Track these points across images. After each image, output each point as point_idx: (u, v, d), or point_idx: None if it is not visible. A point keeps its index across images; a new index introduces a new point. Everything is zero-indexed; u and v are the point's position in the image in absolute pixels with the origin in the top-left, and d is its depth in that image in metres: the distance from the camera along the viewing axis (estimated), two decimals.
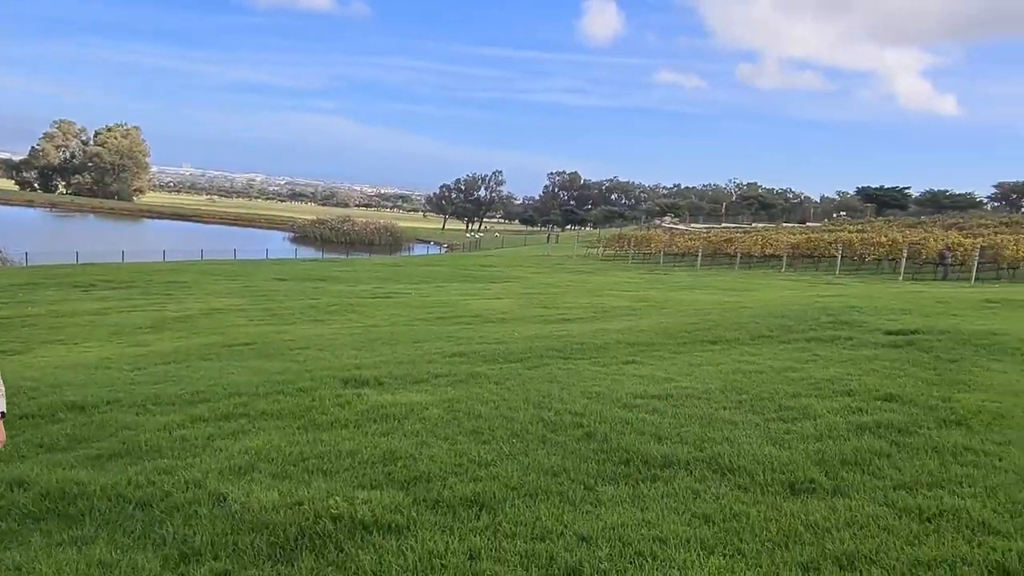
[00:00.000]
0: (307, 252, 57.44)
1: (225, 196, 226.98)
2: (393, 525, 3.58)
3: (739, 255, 37.87)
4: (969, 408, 5.41)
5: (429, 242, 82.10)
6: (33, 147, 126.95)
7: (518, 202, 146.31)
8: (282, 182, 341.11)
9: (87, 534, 3.60)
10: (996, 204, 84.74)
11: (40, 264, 34.71)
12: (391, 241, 78.32)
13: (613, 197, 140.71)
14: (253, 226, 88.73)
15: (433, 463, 4.42)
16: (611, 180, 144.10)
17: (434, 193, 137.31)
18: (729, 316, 11.61)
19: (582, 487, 4.08)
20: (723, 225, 68.82)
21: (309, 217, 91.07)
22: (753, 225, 67.88)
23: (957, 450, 4.53)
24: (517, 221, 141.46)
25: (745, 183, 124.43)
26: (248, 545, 3.39)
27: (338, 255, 56.15)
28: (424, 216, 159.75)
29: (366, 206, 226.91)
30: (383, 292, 22.46)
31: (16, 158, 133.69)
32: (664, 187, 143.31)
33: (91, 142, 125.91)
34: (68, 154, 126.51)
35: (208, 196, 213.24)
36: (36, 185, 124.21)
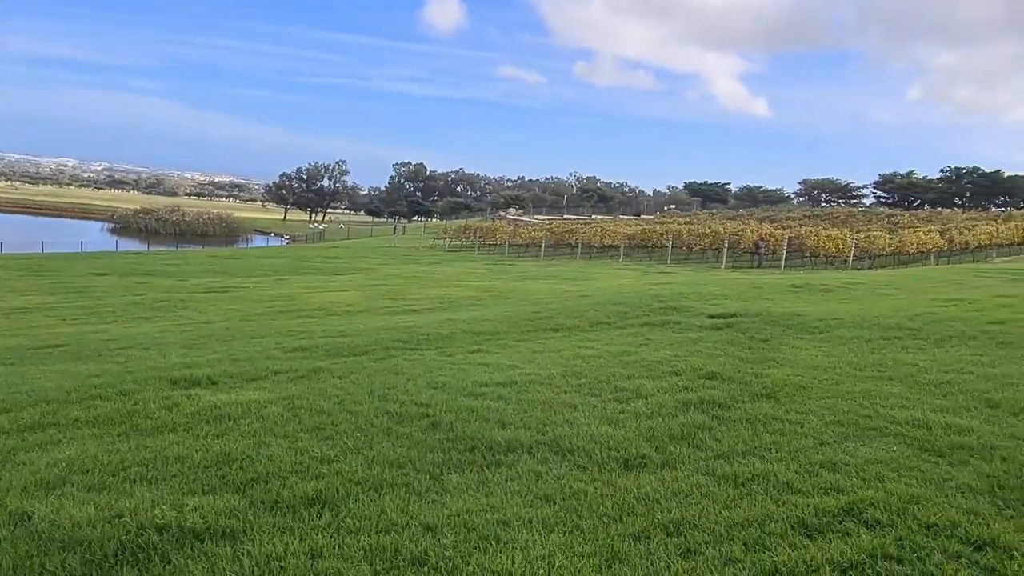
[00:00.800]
0: (130, 244, 52.89)
1: (30, 183, 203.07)
2: (228, 530, 3.39)
3: (580, 246, 39.47)
4: (777, 382, 6.00)
5: (269, 233, 78.37)
6: None
7: (363, 193, 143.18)
8: (99, 168, 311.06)
9: None
10: (801, 199, 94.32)
11: None
12: (227, 232, 73.85)
13: (459, 189, 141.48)
14: (65, 216, 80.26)
15: (272, 463, 4.24)
16: (457, 172, 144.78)
17: (273, 182, 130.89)
18: (570, 304, 12.08)
19: (428, 477, 4.08)
20: (565, 217, 71.37)
21: (131, 206, 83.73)
22: (593, 217, 70.96)
23: (767, 420, 5.01)
24: (363, 212, 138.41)
25: (585, 177, 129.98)
26: (58, 566, 3.08)
27: (167, 247, 52.14)
28: (264, 206, 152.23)
29: (198, 195, 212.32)
30: (218, 286, 21.19)
31: None
32: (509, 179, 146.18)
33: None
34: None
35: (8, 182, 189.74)
36: None
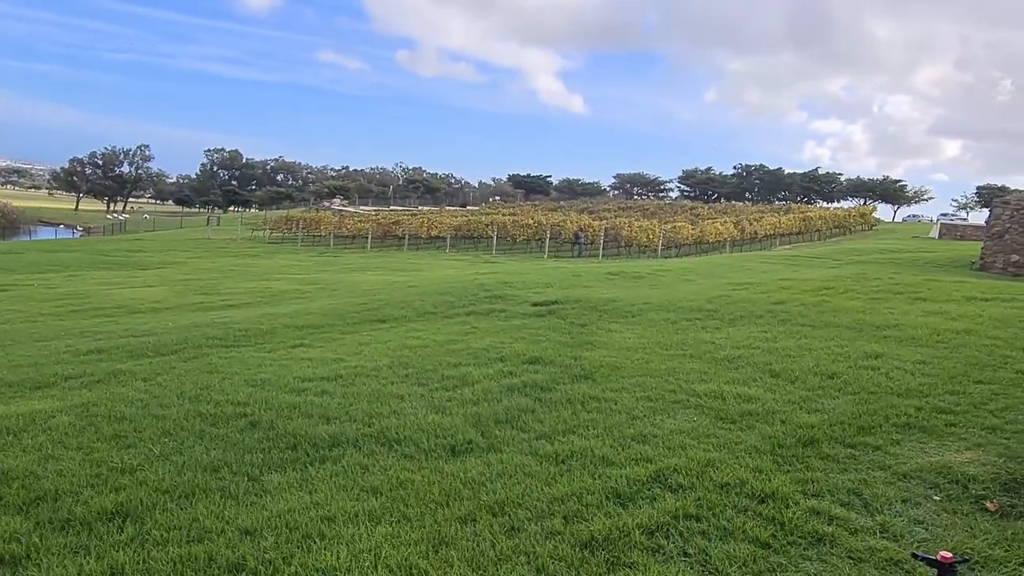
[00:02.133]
0: None
1: None
2: (7, 557, 3.01)
3: (407, 237, 39.22)
4: (594, 363, 6.35)
5: (57, 224, 70.08)
6: None
7: (171, 181, 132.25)
8: None
9: None
10: (616, 192, 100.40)
11: None
12: (4, 224, 65.02)
13: (279, 178, 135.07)
14: None
15: (62, 478, 3.81)
16: (277, 160, 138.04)
17: (62, 168, 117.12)
18: (397, 295, 11.98)
19: (246, 479, 3.87)
20: (391, 208, 70.57)
21: None
22: (419, 208, 70.77)
23: (585, 399, 5.29)
24: (171, 202, 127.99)
25: (411, 167, 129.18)
26: None
27: None
28: (50, 194, 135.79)
29: None
30: None
31: None
32: (333, 169, 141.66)
33: None
34: None
35: None
36: None
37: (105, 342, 7.87)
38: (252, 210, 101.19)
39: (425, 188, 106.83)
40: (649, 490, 3.68)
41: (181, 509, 3.50)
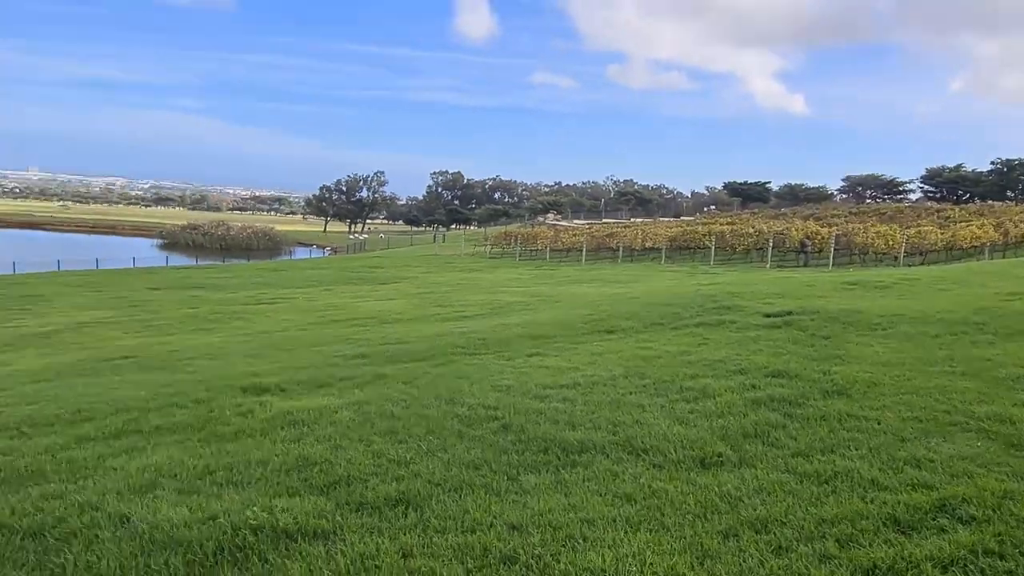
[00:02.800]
0: (179, 259, 54.28)
1: (81, 202, 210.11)
2: (318, 531, 3.47)
3: (621, 249, 39.26)
4: (847, 379, 5.89)
5: (311, 245, 79.59)
6: None
7: (401, 202, 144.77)
8: (146, 185, 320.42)
9: None
10: (845, 196, 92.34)
11: None
12: (270, 245, 75.33)
13: (496, 195, 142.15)
14: (116, 233, 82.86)
15: (351, 466, 4.32)
16: (494, 179, 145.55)
17: (314, 195, 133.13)
18: (621, 307, 12.03)
19: (505, 478, 4.11)
20: (603, 221, 71.11)
21: (179, 222, 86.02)
22: (632, 220, 70.55)
23: (842, 417, 4.93)
24: (401, 222, 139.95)
25: (622, 180, 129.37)
26: (162, 566, 3.18)
27: (214, 261, 53.37)
28: (304, 219, 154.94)
29: (240, 210, 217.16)
30: (268, 298, 21.62)
31: None
32: (546, 185, 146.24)
33: None
34: None
35: (61, 202, 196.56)
36: None
37: (366, 348, 8.79)
38: (472, 227, 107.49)
39: (637, 200, 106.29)
40: (934, 520, 3.34)
41: (453, 501, 3.80)
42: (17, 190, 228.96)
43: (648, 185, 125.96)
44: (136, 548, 3.34)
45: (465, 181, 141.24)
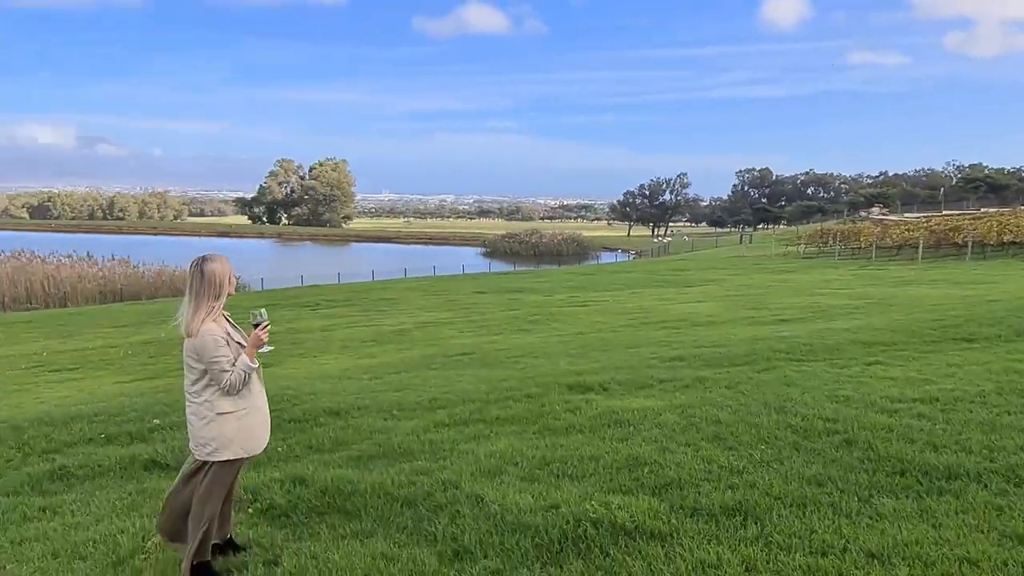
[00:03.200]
0: (499, 265, 59.57)
1: (420, 217, 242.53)
2: (655, 532, 3.47)
3: (970, 244, 33.62)
4: None
5: (616, 250, 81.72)
6: (260, 185, 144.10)
7: (704, 203, 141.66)
8: (470, 200, 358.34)
9: (366, 528, 3.86)
10: None
11: (273, 288, 39.12)
12: (578, 251, 79.02)
13: (809, 191, 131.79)
14: (448, 244, 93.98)
15: (681, 469, 4.26)
16: (806, 173, 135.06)
17: (618, 201, 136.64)
18: (978, 311, 10.26)
19: (855, 499, 3.71)
20: (943, 212, 61.60)
21: (499, 232, 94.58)
22: (981, 210, 60.02)
23: None
24: (704, 223, 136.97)
25: (967, 165, 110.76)
26: (514, 546, 3.45)
27: (529, 267, 57.63)
28: (609, 224, 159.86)
29: (550, 218, 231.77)
30: (579, 300, 22.62)
31: (248, 196, 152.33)
32: (868, 176, 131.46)
33: (306, 177, 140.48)
34: (288, 189, 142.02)
35: (405, 219, 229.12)
36: (264, 218, 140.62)
37: (682, 351, 8.70)
38: (781, 226, 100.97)
39: (988, 186, 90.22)
40: None
41: (796, 517, 3.53)
42: (373, 210, 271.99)
43: (1003, 168, 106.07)
44: (491, 527, 3.67)
45: (774, 177, 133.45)
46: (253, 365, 3.40)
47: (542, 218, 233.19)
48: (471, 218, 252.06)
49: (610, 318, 15.78)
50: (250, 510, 4.17)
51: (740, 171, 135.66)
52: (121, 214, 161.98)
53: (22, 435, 6.35)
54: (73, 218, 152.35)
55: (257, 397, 3.46)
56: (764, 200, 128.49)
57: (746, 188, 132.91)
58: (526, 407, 6.10)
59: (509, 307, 21.30)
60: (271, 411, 3.58)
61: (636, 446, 4.78)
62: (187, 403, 3.43)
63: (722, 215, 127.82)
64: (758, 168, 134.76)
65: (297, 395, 7.27)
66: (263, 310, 3.49)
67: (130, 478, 5.11)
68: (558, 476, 4.36)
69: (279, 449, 5.34)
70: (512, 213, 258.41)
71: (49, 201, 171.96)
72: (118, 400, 8.30)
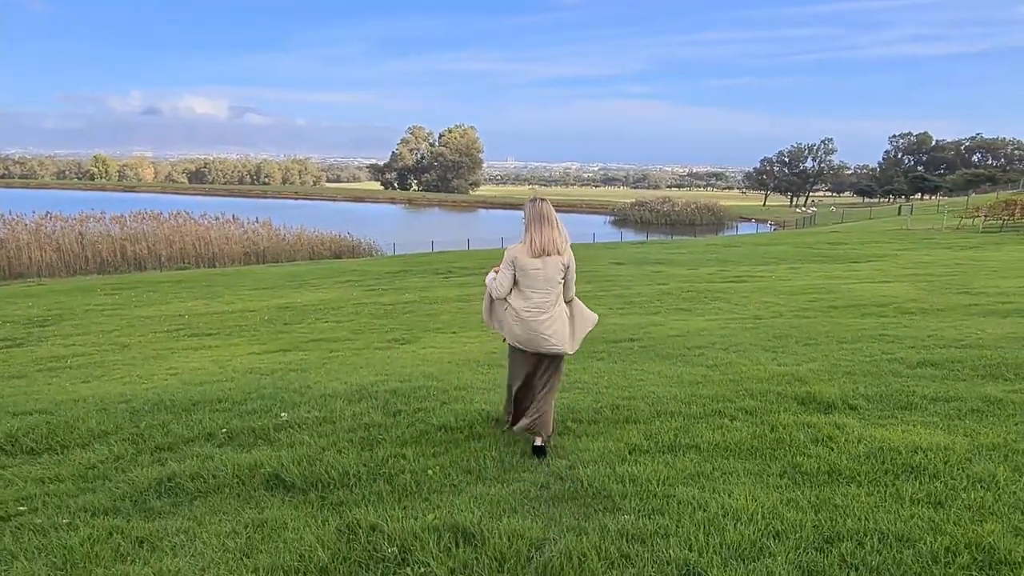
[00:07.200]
0: (629, 235, 57.26)
1: (544, 185, 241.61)
2: None
3: None
4: None
5: (750, 219, 76.88)
6: (392, 152, 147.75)
7: (849, 172, 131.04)
8: (595, 168, 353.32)
9: None
10: None
11: (404, 254, 39.14)
12: (713, 220, 74.95)
13: (975, 158, 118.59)
14: (574, 211, 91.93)
15: None
16: (972, 138, 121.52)
17: (754, 168, 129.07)
18: None
19: None
20: None
21: (627, 200, 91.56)
22: None
23: None
24: (848, 193, 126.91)
25: None
26: None
27: (662, 236, 54.98)
28: (743, 193, 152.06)
29: (678, 186, 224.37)
30: (732, 275, 20.44)
31: (380, 162, 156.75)
32: None
33: (436, 144, 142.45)
34: (419, 155, 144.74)
35: (530, 186, 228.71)
36: (395, 184, 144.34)
37: (921, 350, 6.75)
38: (939, 196, 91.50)
39: None
40: None
41: None
42: (499, 177, 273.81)
43: None
44: None
45: (933, 143, 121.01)
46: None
47: (669, 186, 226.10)
48: (596, 186, 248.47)
49: (782, 298, 13.69)
50: None
51: (893, 136, 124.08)
52: (266, 180, 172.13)
53: (139, 422, 5.50)
54: (225, 183, 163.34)
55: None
56: (920, 168, 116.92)
57: (900, 155, 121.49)
58: (750, 429, 4.51)
59: (654, 281, 19.50)
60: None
61: (966, 522, 3.10)
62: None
63: (871, 184, 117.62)
64: (915, 133, 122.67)
65: (443, 388, 6.03)
66: None
67: (247, 499, 4.02)
68: (856, 570, 2.79)
69: (428, 472, 4.08)
70: (638, 181, 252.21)
71: (205, 167, 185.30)
72: (247, 379, 7.45)
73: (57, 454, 4.90)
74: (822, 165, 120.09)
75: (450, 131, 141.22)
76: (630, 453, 4.26)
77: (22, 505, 3.96)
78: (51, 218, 38.38)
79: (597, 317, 4.60)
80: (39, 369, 9.50)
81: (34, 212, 39.08)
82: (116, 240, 36.64)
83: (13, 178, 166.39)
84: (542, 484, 3.89)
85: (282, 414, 5.48)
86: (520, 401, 4.49)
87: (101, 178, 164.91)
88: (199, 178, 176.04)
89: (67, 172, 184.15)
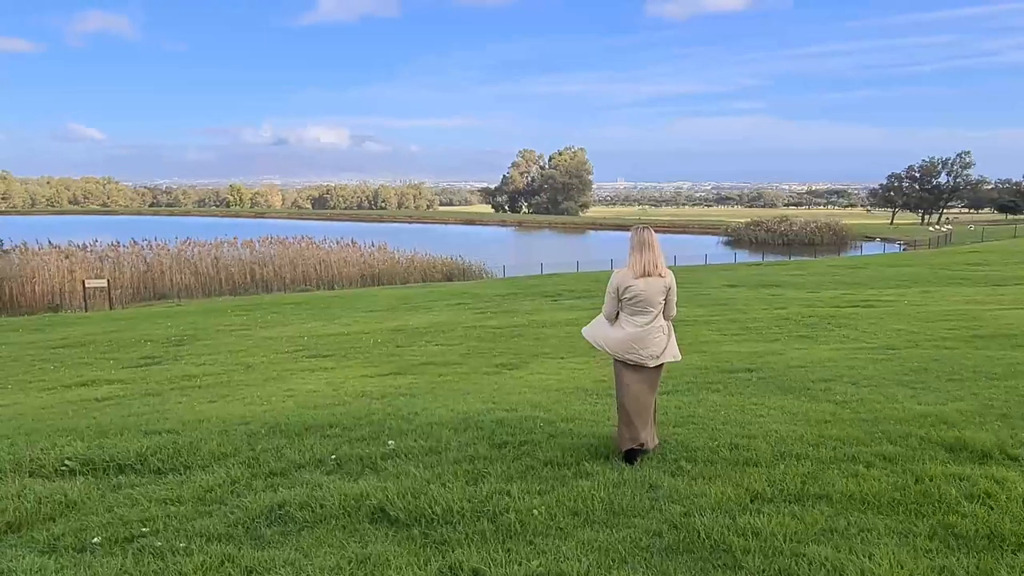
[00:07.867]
0: (744, 256, 55.18)
1: (655, 205, 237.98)
2: None
3: None
4: None
5: (876, 239, 72.24)
6: (504, 175, 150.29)
7: (989, 187, 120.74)
8: (708, 187, 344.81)
9: None
10: None
11: (514, 276, 39.44)
12: (835, 240, 70.97)
13: None
14: (686, 232, 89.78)
15: None
16: None
17: (880, 184, 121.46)
18: None
19: None
20: None
21: (742, 220, 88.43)
22: None
23: None
24: (989, 209, 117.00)
25: None
26: None
27: (779, 257, 52.61)
28: (868, 211, 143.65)
29: (796, 205, 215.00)
30: (858, 299, 19.16)
31: (491, 186, 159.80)
32: None
33: (546, 166, 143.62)
34: (530, 178, 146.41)
35: (640, 206, 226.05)
36: (506, 207, 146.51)
37: None
38: None
39: None
40: None
41: None
42: (608, 198, 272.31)
43: None
44: None
45: None
46: None
47: (787, 204, 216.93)
48: (708, 205, 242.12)
49: (916, 325, 12.62)
50: None
51: None
52: (383, 204, 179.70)
53: (255, 446, 5.67)
54: (345, 208, 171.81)
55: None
56: None
57: None
58: (889, 479, 4.06)
59: (772, 304, 18.58)
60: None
61: None
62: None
63: (1014, 199, 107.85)
64: None
65: (551, 420, 5.86)
66: None
67: (352, 531, 3.99)
68: None
69: (534, 512, 3.91)
70: (753, 200, 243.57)
71: (327, 193, 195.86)
72: (358, 403, 7.58)
73: (180, 475, 5.10)
74: (958, 180, 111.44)
75: (560, 153, 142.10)
76: (751, 501, 3.92)
77: (145, 526, 4.10)
78: (190, 244, 41.60)
79: (681, 358, 4.95)
80: (172, 387, 10.12)
81: (176, 238, 42.53)
82: (246, 264, 39.20)
83: (161, 206, 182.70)
84: (654, 532, 3.63)
85: (389, 442, 5.49)
86: (633, 417, 4.68)
87: (236, 205, 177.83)
88: (321, 204, 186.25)
89: (206, 200, 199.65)
